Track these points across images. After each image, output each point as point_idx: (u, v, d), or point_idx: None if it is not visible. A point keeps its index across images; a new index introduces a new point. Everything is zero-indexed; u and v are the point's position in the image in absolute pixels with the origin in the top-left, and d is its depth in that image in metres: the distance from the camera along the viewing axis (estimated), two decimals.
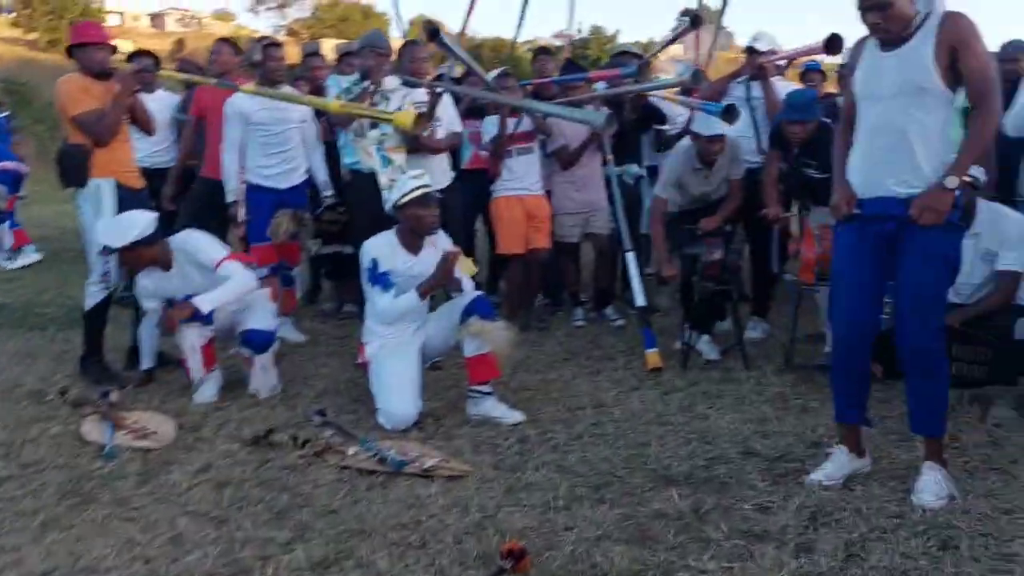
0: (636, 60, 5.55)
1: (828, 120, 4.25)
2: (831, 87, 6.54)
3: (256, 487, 2.94)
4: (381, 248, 3.71)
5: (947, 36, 2.59)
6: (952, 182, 2.60)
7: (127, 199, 4.08)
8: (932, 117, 2.64)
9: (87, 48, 4.07)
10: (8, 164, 8.06)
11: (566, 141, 5.12)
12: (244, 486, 2.95)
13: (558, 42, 20.48)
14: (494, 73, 5.29)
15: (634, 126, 5.27)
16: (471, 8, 5.03)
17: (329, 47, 16.45)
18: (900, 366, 2.82)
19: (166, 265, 3.92)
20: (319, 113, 4.96)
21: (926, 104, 2.63)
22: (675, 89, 5.19)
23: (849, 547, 2.44)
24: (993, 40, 3.59)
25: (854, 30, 2.89)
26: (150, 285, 3.95)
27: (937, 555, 2.39)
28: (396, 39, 6.35)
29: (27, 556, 2.50)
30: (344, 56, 5.90)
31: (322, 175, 5.01)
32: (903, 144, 2.66)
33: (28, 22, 31.64)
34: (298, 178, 4.88)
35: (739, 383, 4.01)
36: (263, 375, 3.92)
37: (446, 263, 3.63)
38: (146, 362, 4.11)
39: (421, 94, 4.64)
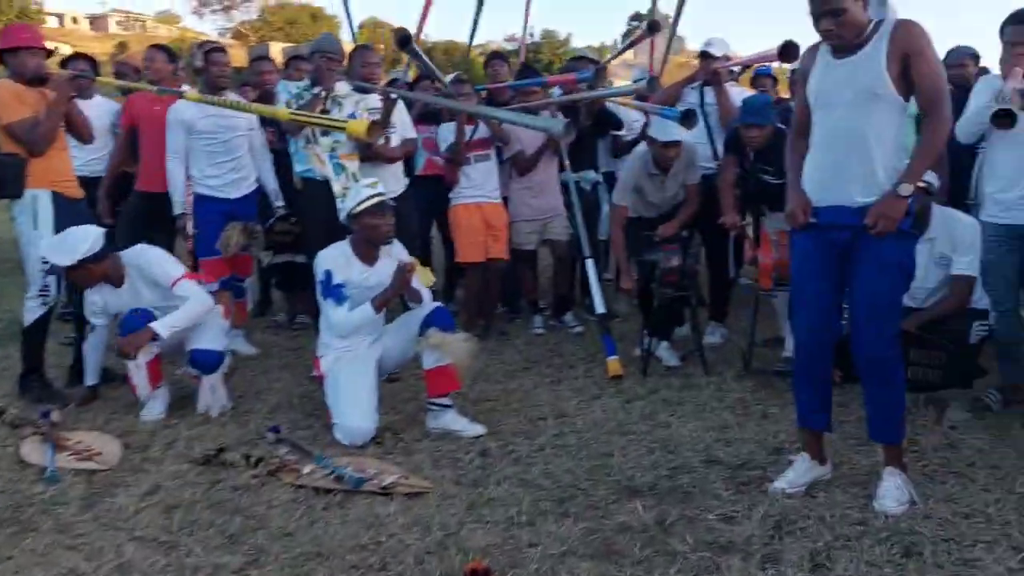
0: (592, 65, 5.54)
1: (783, 126, 4.28)
2: (783, 92, 6.61)
3: (207, 509, 2.84)
4: (335, 259, 3.62)
5: (900, 44, 2.61)
6: (906, 190, 2.61)
7: (65, 210, 3.93)
8: (886, 124, 2.66)
9: (19, 53, 3.90)
10: None
11: (522, 147, 5.09)
12: (194, 509, 2.84)
13: (510, 46, 20.52)
14: (449, 78, 5.23)
15: (590, 132, 5.26)
16: (425, 12, 4.96)
17: (277, 50, 16.19)
18: (857, 372, 2.84)
19: (117, 281, 3.79)
20: (267, 120, 4.83)
21: (880, 111, 2.65)
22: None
23: (815, 556, 2.44)
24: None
25: (806, 37, 2.91)
26: (99, 301, 3.82)
27: (901, 562, 2.40)
28: (347, 43, 6.23)
29: None
30: (292, 60, 5.77)
31: (272, 184, 4.89)
32: (858, 151, 2.67)
33: None
34: (248, 187, 4.76)
35: (699, 389, 4.02)
36: (212, 395, 3.80)
37: (403, 274, 3.56)
38: (90, 378, 3.96)
39: (374, 99, 4.56)
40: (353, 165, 4.40)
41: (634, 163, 4.69)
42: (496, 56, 6.03)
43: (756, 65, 5.95)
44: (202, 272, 4.50)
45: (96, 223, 4.01)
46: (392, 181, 4.51)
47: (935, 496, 2.79)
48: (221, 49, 4.84)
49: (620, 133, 5.52)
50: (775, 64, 5.44)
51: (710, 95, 4.93)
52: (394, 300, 3.66)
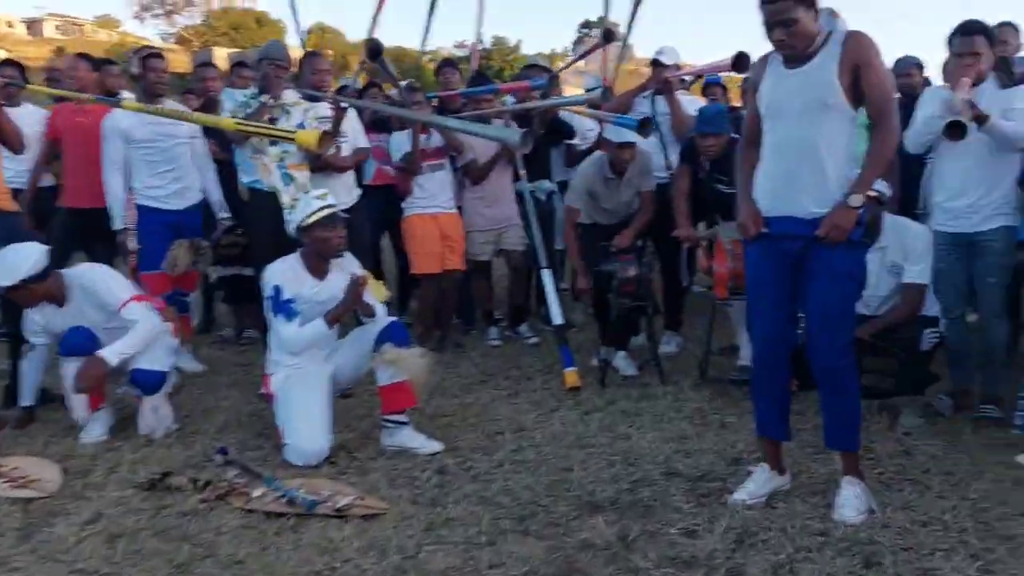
0: (545, 73, 5.51)
1: (738, 135, 4.29)
2: (734, 100, 6.66)
3: (153, 537, 2.72)
4: (284, 273, 3.52)
5: (850, 54, 2.63)
6: (856, 200, 2.63)
7: None
8: (837, 133, 2.68)
9: None
10: None
11: (475, 155, 5.03)
12: (139, 537, 2.72)
13: (460, 52, 20.48)
14: (402, 84, 5.14)
15: (544, 141, 5.23)
16: (377, 15, 4.87)
17: (222, 56, 15.88)
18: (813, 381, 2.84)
19: (60, 300, 3.62)
20: (210, 130, 4.68)
21: (831, 120, 2.66)
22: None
23: (777, 570, 2.43)
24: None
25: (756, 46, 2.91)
26: (40, 320, 3.65)
27: (862, 573, 2.40)
28: (294, 48, 6.11)
29: None
30: (236, 67, 5.62)
31: (216, 195, 4.75)
32: (809, 160, 2.68)
33: None
34: (192, 197, 4.62)
35: (657, 399, 4.00)
36: (153, 416, 3.64)
37: (355, 288, 3.47)
38: (27, 399, 3.78)
39: (324, 108, 4.46)
40: (302, 175, 4.29)
41: (588, 167, 4.67)
42: (448, 63, 5.97)
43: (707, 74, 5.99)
44: (144, 287, 4.34)
45: (31, 237, 3.84)
46: (343, 192, 4.42)
47: (893, 504, 2.80)
48: (159, 55, 4.68)
49: (574, 142, 5.51)
50: (725, 73, 5.49)
51: (662, 104, 4.95)
52: (347, 315, 3.57)
